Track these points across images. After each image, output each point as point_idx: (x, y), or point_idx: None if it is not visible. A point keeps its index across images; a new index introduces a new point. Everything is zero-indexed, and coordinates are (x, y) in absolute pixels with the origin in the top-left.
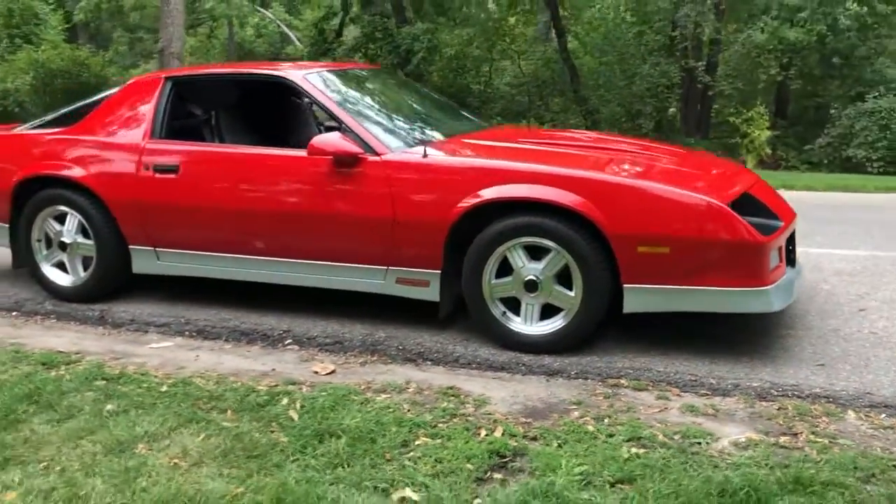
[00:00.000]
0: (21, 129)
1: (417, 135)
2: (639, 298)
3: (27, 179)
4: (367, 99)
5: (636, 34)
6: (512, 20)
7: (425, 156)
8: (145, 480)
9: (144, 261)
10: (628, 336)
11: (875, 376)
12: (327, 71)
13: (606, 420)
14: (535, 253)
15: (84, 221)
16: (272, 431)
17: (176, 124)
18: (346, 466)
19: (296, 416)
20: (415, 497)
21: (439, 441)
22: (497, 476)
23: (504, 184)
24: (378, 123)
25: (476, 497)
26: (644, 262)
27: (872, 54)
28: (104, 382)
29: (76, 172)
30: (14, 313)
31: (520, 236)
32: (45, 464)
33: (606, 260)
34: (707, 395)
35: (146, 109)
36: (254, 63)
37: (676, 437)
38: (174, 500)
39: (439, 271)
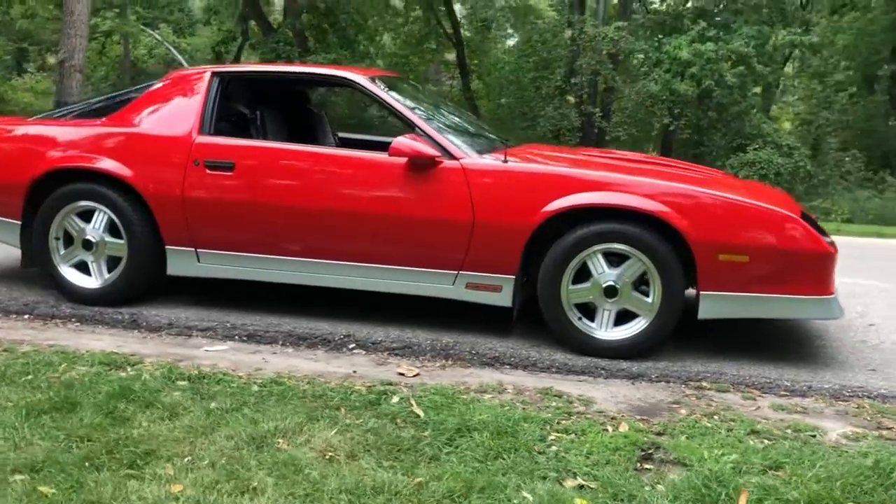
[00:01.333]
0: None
1: (481, 141)
2: (714, 305)
3: (50, 172)
4: (424, 105)
5: (532, 79)
6: (416, 59)
7: (505, 161)
8: (314, 472)
9: (182, 262)
10: (681, 342)
11: None
12: (380, 77)
13: (716, 417)
14: (612, 259)
15: (115, 219)
16: (403, 427)
17: (224, 120)
18: (504, 458)
19: (421, 413)
20: (592, 484)
21: (572, 436)
22: (648, 466)
23: (589, 191)
24: (447, 128)
25: (644, 485)
26: (723, 270)
27: (750, 109)
28: (187, 382)
29: (112, 166)
30: (27, 316)
31: (601, 243)
32: (188, 458)
33: (684, 267)
34: (786, 395)
35: (194, 104)
36: (307, 63)
37: (788, 430)
38: (358, 490)
39: (513, 276)
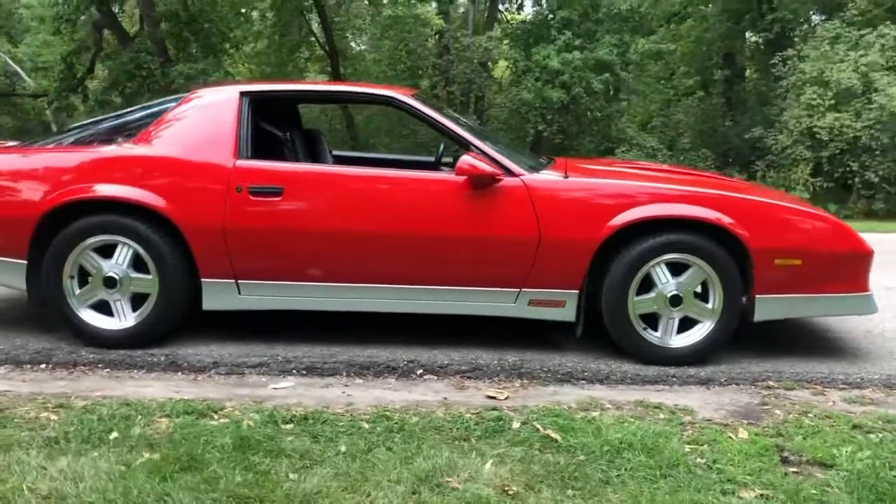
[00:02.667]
0: (37, 148)
1: (527, 158)
2: (768, 307)
3: (63, 205)
4: (464, 121)
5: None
6: (289, 67)
7: (566, 177)
8: None
9: (221, 295)
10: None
11: None
12: (413, 94)
13: (810, 415)
14: (673, 269)
15: (143, 253)
16: (551, 453)
17: (259, 143)
18: (671, 476)
19: (557, 437)
20: (768, 492)
21: (705, 446)
22: (794, 469)
23: (653, 203)
24: (498, 145)
25: (810, 487)
26: (778, 274)
27: (615, 115)
28: (292, 425)
29: (141, 195)
30: (44, 366)
31: (666, 253)
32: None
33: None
34: (846, 388)
35: (227, 125)
36: (335, 81)
37: (880, 422)
38: None
39: (577, 291)
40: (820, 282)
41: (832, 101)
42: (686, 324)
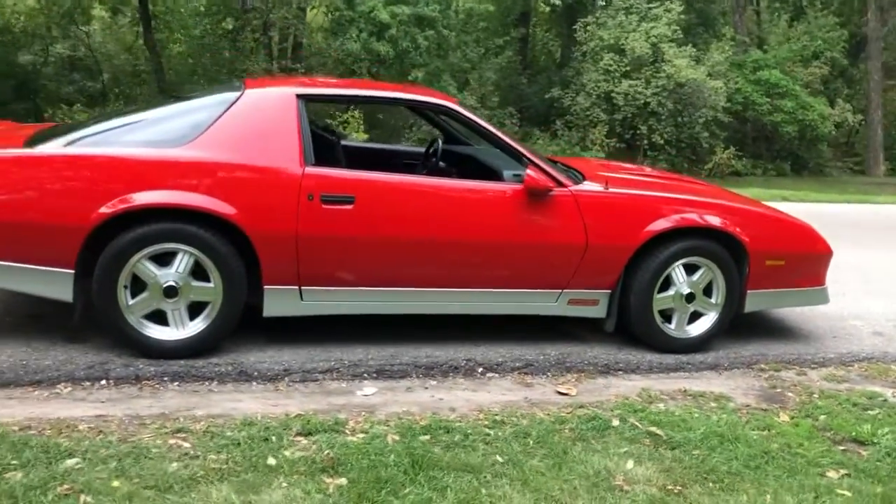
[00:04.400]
0: (80, 148)
1: (564, 168)
2: (755, 300)
3: (125, 213)
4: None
5: (223, 33)
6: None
7: (607, 188)
8: None
9: (284, 302)
10: None
11: None
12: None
13: (815, 395)
14: (687, 270)
15: (207, 260)
16: (667, 448)
17: (317, 148)
18: (770, 463)
19: (661, 433)
20: (848, 471)
21: (765, 432)
22: (843, 448)
23: (678, 213)
24: (540, 157)
25: (870, 463)
26: (767, 273)
27: (441, 72)
28: (427, 436)
29: (210, 203)
30: (104, 382)
31: (686, 256)
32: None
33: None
34: (816, 367)
35: (289, 129)
36: (385, 84)
37: (864, 399)
38: None
39: (609, 290)
40: (795, 278)
41: (627, 68)
42: (692, 317)
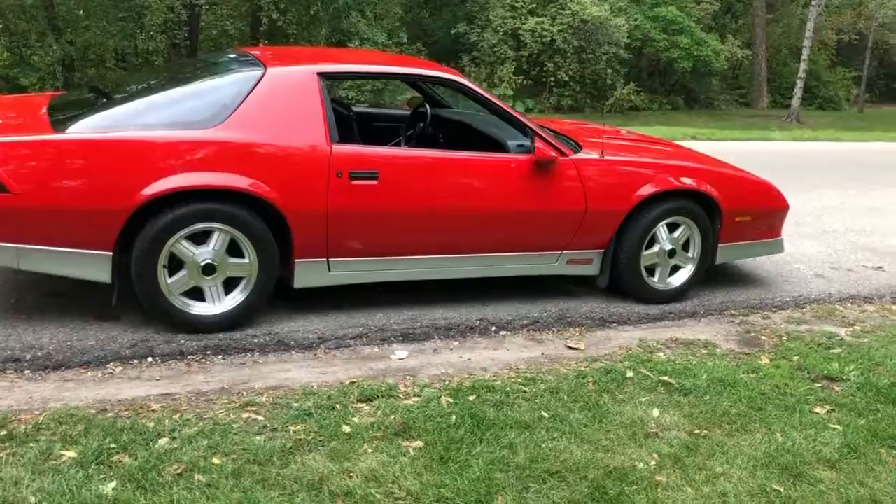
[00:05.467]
0: (117, 132)
1: (563, 138)
2: (725, 253)
3: (166, 194)
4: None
5: None
6: None
7: (603, 156)
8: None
9: (313, 274)
10: None
11: (833, 282)
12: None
13: (785, 337)
14: (669, 228)
15: (243, 238)
16: (682, 395)
17: (339, 125)
18: (770, 404)
19: (673, 381)
20: (833, 406)
21: (755, 375)
22: (819, 384)
23: (664, 177)
24: (541, 127)
25: (845, 397)
26: (736, 228)
27: (346, 7)
28: (473, 397)
29: (248, 184)
30: (150, 359)
31: (669, 216)
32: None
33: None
34: (776, 310)
35: (314, 108)
36: (399, 58)
37: (825, 338)
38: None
39: (602, 250)
40: (758, 231)
41: (533, 5)
42: (672, 270)
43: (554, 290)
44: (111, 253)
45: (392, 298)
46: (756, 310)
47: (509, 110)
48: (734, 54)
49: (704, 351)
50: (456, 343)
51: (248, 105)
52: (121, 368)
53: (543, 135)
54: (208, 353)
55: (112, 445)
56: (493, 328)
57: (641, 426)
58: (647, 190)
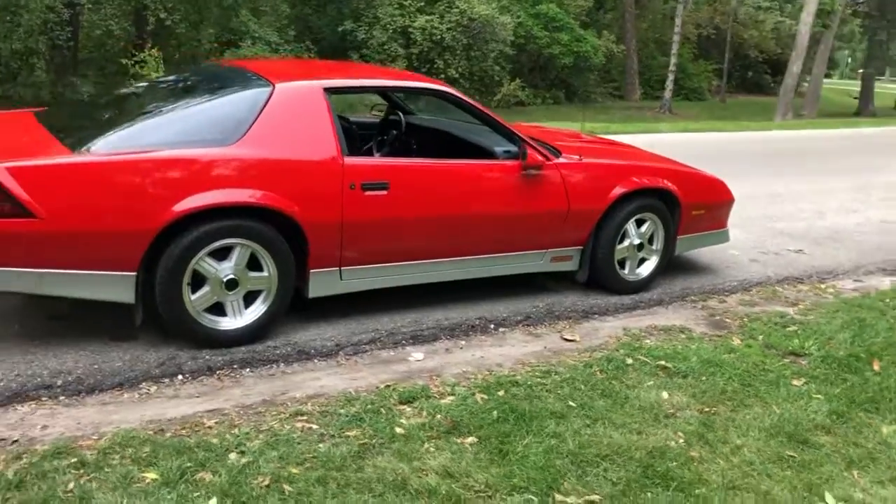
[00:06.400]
0: (140, 153)
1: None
2: (682, 244)
3: (192, 213)
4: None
5: None
6: None
7: (581, 159)
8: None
9: (326, 283)
10: None
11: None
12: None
13: (745, 318)
14: (636, 223)
15: (263, 252)
16: (686, 378)
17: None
18: (756, 381)
19: (670, 365)
20: (809, 378)
21: (731, 355)
22: (787, 361)
23: (634, 177)
24: (526, 135)
25: (812, 369)
26: (692, 220)
27: (236, 6)
28: (502, 392)
29: (271, 200)
30: (180, 377)
31: (637, 213)
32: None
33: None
34: (729, 294)
35: (324, 123)
36: (390, 72)
37: (779, 317)
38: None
39: (581, 247)
40: (710, 223)
41: (421, 3)
42: (639, 262)
43: (535, 286)
44: (135, 273)
45: (392, 302)
46: (711, 294)
47: (497, 119)
48: (610, 49)
49: (683, 335)
50: (463, 342)
51: (263, 121)
52: (155, 388)
53: (531, 142)
54: (235, 366)
55: (189, 464)
56: (492, 326)
57: (658, 408)
58: (619, 189)
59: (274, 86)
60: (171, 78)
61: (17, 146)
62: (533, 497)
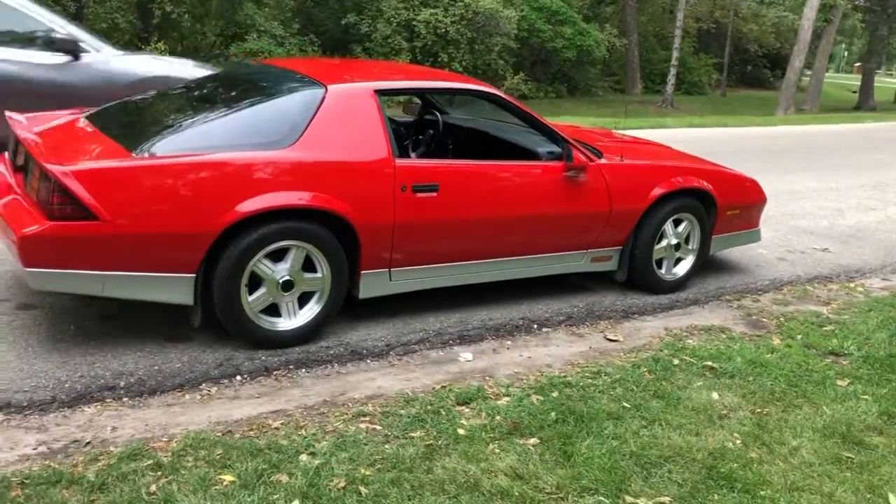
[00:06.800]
0: (200, 155)
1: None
2: (717, 244)
3: (254, 215)
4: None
5: None
6: None
7: (622, 160)
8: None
9: (376, 284)
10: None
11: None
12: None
13: (782, 318)
14: (674, 223)
15: (317, 253)
16: (731, 378)
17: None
18: (803, 381)
19: (716, 365)
20: (852, 378)
21: (774, 355)
22: (828, 361)
23: (674, 178)
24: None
25: (856, 370)
26: (727, 220)
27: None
28: (556, 394)
29: (328, 202)
30: (239, 377)
31: (676, 213)
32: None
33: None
34: (762, 293)
35: (375, 125)
36: (436, 72)
37: (814, 317)
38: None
39: (620, 247)
40: (742, 223)
41: None
42: (675, 262)
43: (571, 286)
44: (195, 275)
45: (435, 303)
46: (745, 294)
47: (542, 120)
48: (612, 43)
49: (723, 335)
50: (509, 342)
51: (317, 123)
52: (215, 389)
53: (576, 144)
54: (291, 367)
55: (263, 466)
56: (535, 325)
57: (711, 409)
58: (659, 190)
59: (326, 88)
60: (220, 78)
61: (77, 149)
62: (604, 499)
